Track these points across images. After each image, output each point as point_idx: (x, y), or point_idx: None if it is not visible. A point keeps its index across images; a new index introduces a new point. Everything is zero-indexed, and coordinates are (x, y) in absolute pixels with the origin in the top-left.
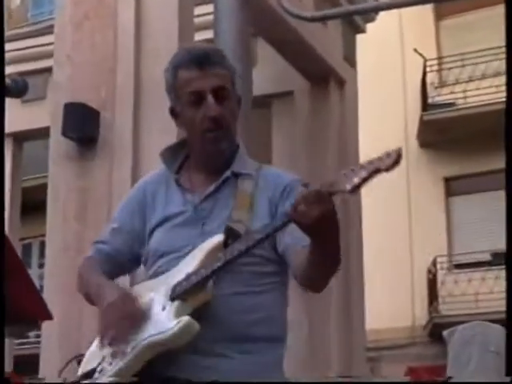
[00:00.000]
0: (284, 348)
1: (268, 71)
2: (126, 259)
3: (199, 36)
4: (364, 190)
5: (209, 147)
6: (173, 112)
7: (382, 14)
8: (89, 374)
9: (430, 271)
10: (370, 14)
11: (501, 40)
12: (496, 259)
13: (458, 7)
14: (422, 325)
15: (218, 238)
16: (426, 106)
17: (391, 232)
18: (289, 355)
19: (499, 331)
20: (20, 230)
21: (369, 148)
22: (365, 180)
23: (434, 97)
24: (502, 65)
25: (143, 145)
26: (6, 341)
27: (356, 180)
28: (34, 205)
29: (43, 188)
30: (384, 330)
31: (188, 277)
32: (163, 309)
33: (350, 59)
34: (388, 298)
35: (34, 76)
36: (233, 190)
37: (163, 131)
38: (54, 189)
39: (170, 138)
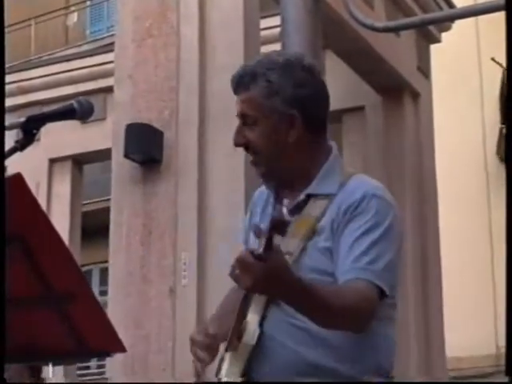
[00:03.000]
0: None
1: (338, 85)
2: None
3: (266, 49)
4: (442, 211)
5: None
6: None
7: (457, 22)
8: None
9: None
10: (444, 23)
11: None
12: None
13: None
14: None
15: None
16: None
17: (471, 253)
18: None
19: None
20: (80, 256)
21: (446, 164)
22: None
23: None
24: None
25: (209, 166)
26: (69, 368)
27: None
28: (93, 230)
29: (103, 212)
30: (466, 358)
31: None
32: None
33: (424, 70)
34: (470, 325)
35: (92, 96)
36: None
37: (229, 152)
38: (117, 213)
39: (236, 158)
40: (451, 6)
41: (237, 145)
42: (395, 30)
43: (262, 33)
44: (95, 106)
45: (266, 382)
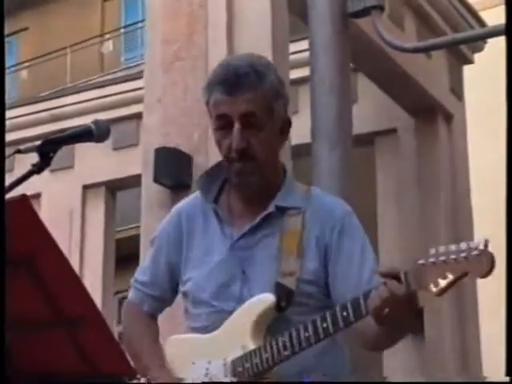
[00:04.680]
0: None
1: (370, 107)
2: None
3: (295, 74)
4: (478, 233)
5: (235, 180)
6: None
7: (490, 43)
8: None
9: None
10: (477, 43)
11: None
12: None
13: None
14: None
15: (269, 299)
16: None
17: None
18: None
19: None
20: (114, 282)
21: (481, 185)
22: (452, 284)
23: None
24: None
25: None
26: None
27: (443, 284)
28: (127, 256)
29: (136, 239)
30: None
31: (248, 357)
32: None
33: (457, 92)
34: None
35: (126, 122)
36: (277, 228)
37: None
38: (147, 238)
39: None
40: (483, 25)
41: (239, 149)
42: (425, 50)
43: (291, 56)
44: (128, 132)
45: (266, 382)
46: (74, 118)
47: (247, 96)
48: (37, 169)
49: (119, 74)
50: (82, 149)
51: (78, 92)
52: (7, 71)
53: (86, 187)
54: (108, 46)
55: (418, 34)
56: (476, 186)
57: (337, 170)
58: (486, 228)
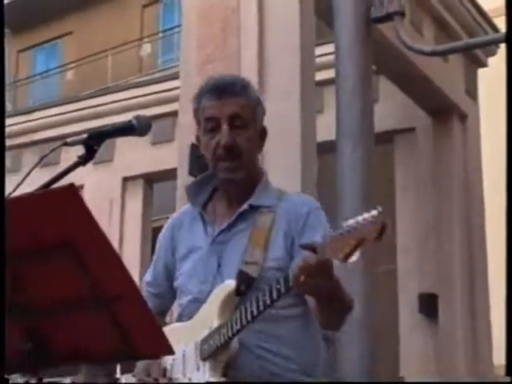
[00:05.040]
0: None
1: (390, 107)
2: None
3: (320, 75)
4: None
5: (222, 176)
6: (198, 139)
7: (502, 47)
8: None
9: None
10: (490, 48)
11: None
12: None
13: None
14: None
15: (230, 285)
16: None
17: None
18: None
19: None
20: None
21: (492, 183)
22: (355, 249)
23: None
24: None
25: None
26: None
27: (347, 250)
28: None
29: None
30: None
31: (212, 335)
32: (197, 369)
33: (472, 93)
34: None
35: (162, 119)
36: (250, 224)
37: (287, 171)
38: None
39: (293, 178)
40: (496, 31)
41: (228, 145)
42: (442, 53)
43: (317, 59)
44: (164, 128)
45: (266, 382)
46: (114, 115)
47: (234, 100)
48: (83, 160)
49: (156, 75)
50: (123, 143)
51: (118, 91)
52: (53, 72)
53: (125, 179)
54: (146, 49)
55: (435, 39)
56: (488, 183)
57: (359, 166)
58: (498, 223)
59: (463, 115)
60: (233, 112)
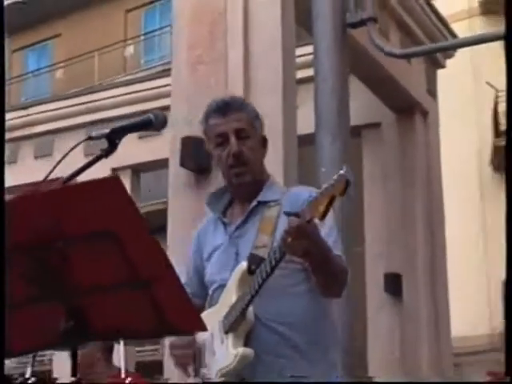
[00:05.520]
0: (332, 352)
1: (358, 104)
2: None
3: (301, 74)
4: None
5: (234, 181)
6: (208, 153)
7: (459, 51)
8: None
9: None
10: (449, 50)
11: None
12: None
13: None
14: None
15: (242, 266)
16: (498, 132)
17: (468, 256)
18: (383, 358)
19: None
20: None
21: (448, 172)
22: (328, 207)
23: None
24: None
25: None
26: (129, 348)
27: (321, 209)
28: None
29: (155, 214)
30: (465, 337)
31: (230, 311)
32: (222, 342)
33: (432, 92)
34: (469, 308)
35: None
36: (259, 217)
37: (272, 163)
38: (174, 214)
39: (277, 169)
40: (453, 34)
41: (236, 153)
42: (411, 56)
43: (298, 59)
44: None
45: (265, 382)
46: (105, 110)
47: (237, 115)
48: (105, 153)
49: (139, 74)
50: None
51: (108, 89)
52: (43, 71)
53: (114, 170)
54: (130, 50)
55: (401, 43)
56: (447, 172)
57: (337, 158)
58: (455, 206)
59: (425, 112)
60: (238, 127)
